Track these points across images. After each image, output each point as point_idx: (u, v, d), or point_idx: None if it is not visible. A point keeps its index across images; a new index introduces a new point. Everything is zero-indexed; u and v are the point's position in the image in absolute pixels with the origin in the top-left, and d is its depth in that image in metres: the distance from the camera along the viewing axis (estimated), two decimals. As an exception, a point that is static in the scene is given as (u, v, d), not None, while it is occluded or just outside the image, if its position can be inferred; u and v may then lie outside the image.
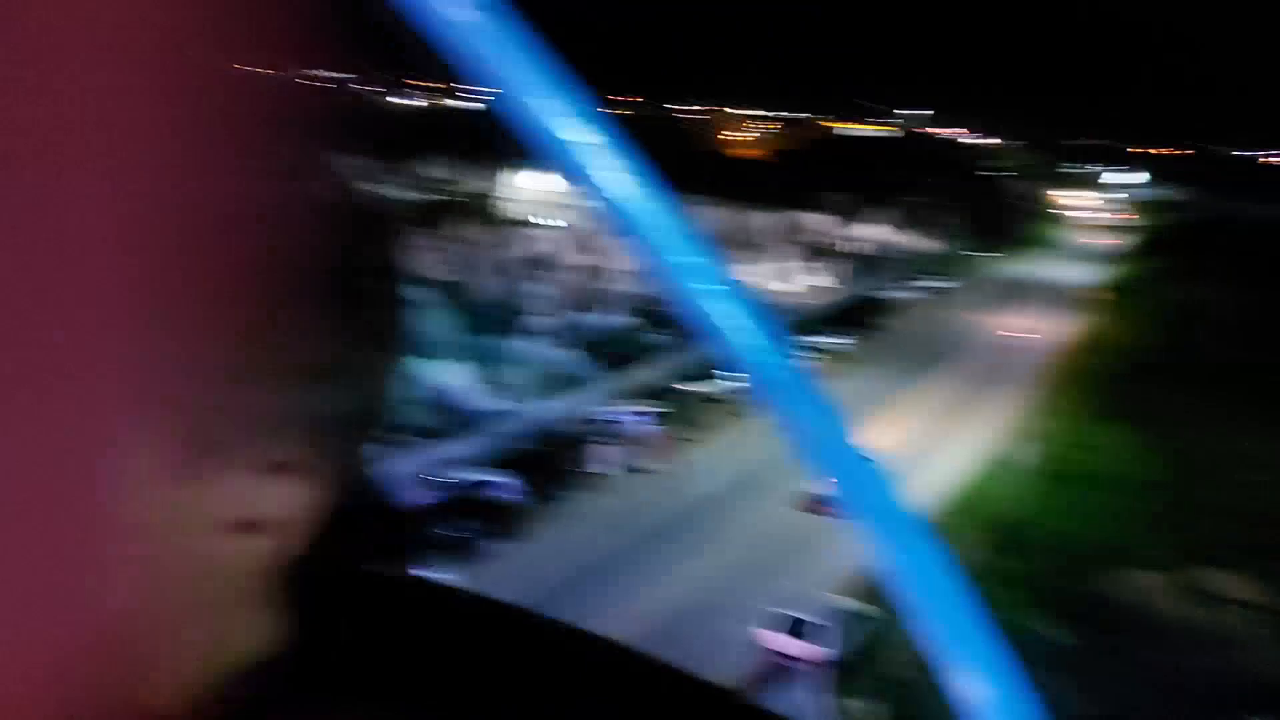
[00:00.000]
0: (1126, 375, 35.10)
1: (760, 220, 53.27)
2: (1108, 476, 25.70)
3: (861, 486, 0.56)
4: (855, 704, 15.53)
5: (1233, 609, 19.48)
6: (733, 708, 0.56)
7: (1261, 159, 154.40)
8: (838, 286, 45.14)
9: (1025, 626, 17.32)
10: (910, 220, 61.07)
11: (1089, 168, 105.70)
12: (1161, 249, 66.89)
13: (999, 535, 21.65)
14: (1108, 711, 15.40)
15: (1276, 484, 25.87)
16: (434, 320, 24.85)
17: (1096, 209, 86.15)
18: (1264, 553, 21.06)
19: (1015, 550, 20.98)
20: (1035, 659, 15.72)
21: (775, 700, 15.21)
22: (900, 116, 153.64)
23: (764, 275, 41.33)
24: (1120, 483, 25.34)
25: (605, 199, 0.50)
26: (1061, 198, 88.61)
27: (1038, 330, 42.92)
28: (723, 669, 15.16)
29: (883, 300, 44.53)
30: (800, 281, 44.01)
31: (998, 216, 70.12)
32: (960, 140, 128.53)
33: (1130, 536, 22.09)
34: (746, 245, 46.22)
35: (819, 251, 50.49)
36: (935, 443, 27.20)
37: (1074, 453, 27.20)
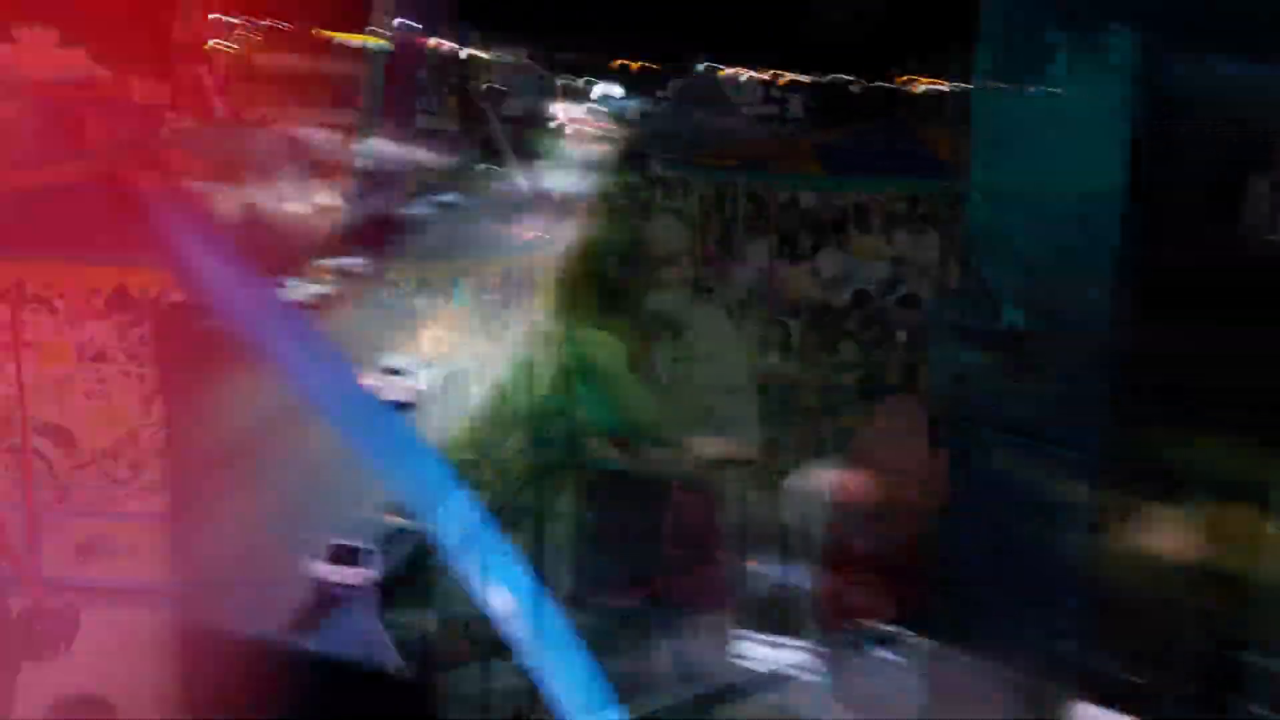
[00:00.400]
0: (616, 275, 38.40)
1: (250, 138, 49.68)
2: (614, 368, 28.21)
3: (366, 415, 0.51)
4: (406, 618, 15.76)
5: (729, 469, 22.64)
6: (273, 659, 0.51)
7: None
8: (348, 205, 43.79)
9: (557, 510, 18.74)
10: (418, 136, 60.66)
11: (576, 80, 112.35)
12: (640, 155, 73.32)
13: (529, 431, 22.95)
14: (626, 573, 17.27)
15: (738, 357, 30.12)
16: None
17: (583, 121, 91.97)
18: (741, 418, 24.71)
19: (544, 443, 22.42)
20: (564, 537, 17.07)
21: (327, 629, 14.95)
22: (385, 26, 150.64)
23: (264, 197, 38.79)
24: (626, 372, 27.96)
25: None
26: (552, 109, 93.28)
27: (545, 236, 45.12)
28: (271, 613, 14.52)
29: (399, 217, 44.01)
30: (307, 202, 42.02)
31: (502, 129, 72.23)
32: (456, 53, 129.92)
33: (640, 418, 24.59)
34: (240, 165, 42.97)
35: (325, 170, 48.45)
36: (463, 352, 27.81)
37: (586, 349, 29.37)
